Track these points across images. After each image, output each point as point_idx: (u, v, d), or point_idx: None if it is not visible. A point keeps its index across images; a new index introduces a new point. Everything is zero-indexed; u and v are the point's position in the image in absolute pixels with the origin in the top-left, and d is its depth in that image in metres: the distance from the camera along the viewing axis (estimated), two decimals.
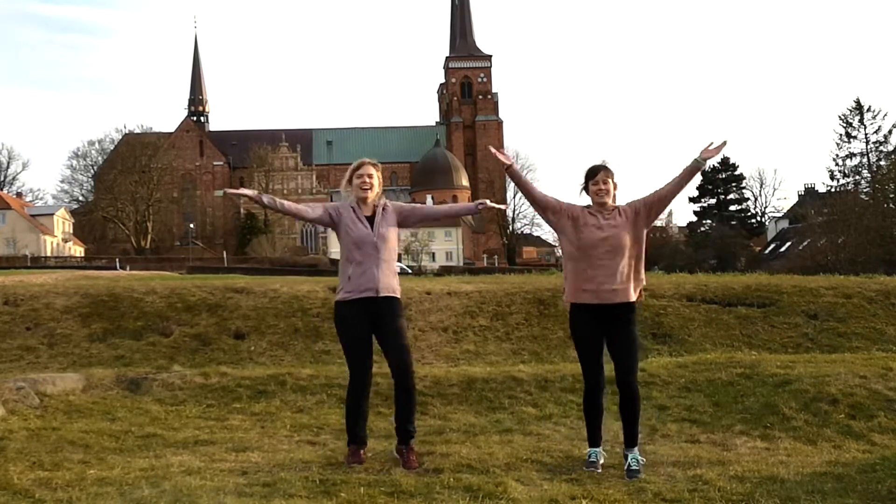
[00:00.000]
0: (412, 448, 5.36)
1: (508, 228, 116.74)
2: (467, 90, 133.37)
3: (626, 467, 5.13)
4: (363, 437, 5.47)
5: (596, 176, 5.41)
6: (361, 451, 5.38)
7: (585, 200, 5.50)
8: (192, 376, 8.29)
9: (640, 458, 5.21)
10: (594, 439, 5.42)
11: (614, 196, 5.46)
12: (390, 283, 5.46)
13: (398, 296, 5.51)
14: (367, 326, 5.39)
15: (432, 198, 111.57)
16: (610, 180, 5.41)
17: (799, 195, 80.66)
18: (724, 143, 5.47)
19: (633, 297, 5.35)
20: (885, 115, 76.29)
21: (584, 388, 5.46)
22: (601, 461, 5.34)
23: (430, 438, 6.08)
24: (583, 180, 5.49)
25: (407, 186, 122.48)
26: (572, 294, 5.41)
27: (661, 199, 5.45)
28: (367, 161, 5.61)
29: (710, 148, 5.43)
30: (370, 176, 5.52)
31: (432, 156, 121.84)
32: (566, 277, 5.47)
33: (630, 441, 5.28)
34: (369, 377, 5.48)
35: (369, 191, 5.50)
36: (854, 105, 68.65)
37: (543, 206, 5.54)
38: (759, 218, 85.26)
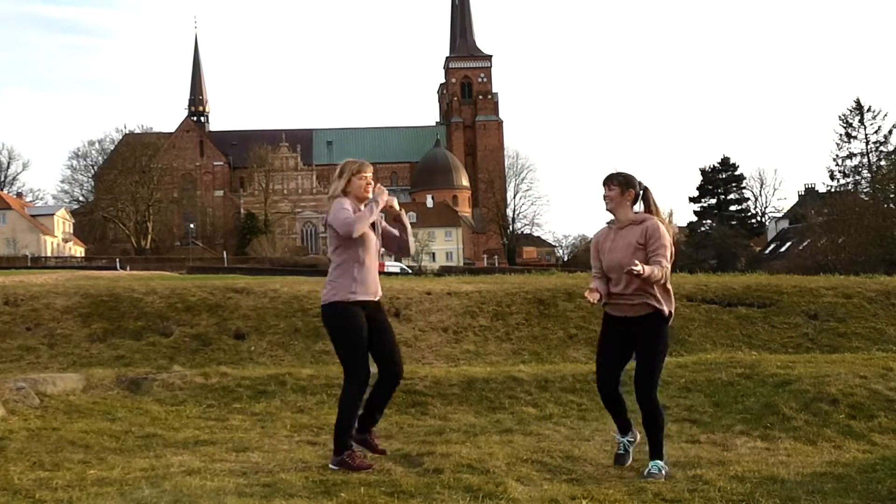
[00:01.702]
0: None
1: (508, 228, 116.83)
2: (467, 90, 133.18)
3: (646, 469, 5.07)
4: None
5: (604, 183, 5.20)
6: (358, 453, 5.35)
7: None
8: (192, 376, 8.29)
9: (661, 466, 5.03)
10: (621, 428, 5.32)
11: (628, 205, 5.13)
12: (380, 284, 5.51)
13: None
14: (367, 326, 5.38)
15: (432, 198, 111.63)
16: (614, 188, 5.12)
17: (799, 195, 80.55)
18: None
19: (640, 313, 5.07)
20: (885, 115, 76.45)
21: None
22: (631, 450, 5.28)
23: (430, 438, 6.07)
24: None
25: (407, 186, 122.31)
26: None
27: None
28: (366, 163, 5.54)
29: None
30: (372, 178, 5.48)
31: (432, 156, 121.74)
32: None
33: (652, 452, 5.13)
34: (368, 377, 5.44)
35: (369, 193, 5.45)
36: (854, 105, 68.69)
37: None
38: (759, 218, 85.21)
